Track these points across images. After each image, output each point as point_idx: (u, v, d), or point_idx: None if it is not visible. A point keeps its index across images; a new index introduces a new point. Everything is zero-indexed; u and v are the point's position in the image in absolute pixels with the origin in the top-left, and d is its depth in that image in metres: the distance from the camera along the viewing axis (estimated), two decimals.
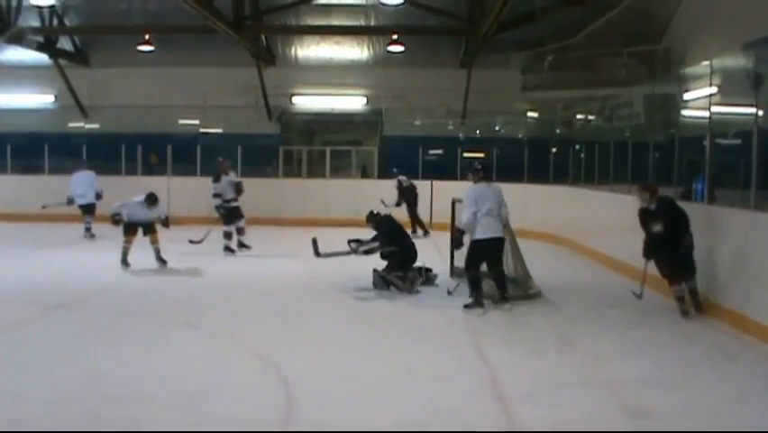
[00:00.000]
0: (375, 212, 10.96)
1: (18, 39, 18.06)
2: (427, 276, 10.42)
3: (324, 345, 7.15)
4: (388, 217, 10.91)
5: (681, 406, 5.43)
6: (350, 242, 10.55)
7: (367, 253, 10.38)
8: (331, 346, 7.09)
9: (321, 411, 5.20)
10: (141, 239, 11.70)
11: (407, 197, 16.96)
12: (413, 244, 10.50)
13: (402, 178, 17.12)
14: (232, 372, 6.18)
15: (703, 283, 8.62)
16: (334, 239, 11.10)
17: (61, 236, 15.87)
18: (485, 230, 8.69)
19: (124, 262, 11.66)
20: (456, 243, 9.50)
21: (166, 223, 12.08)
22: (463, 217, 8.81)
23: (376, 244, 10.35)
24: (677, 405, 5.44)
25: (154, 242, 11.81)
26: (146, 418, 5.01)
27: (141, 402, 5.31)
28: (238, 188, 13.80)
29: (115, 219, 11.63)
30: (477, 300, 8.69)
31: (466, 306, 8.69)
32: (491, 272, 9.00)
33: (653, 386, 5.82)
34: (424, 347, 7.11)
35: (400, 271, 10.06)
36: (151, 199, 11.52)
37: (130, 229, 11.63)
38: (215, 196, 13.55)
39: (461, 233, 9.06)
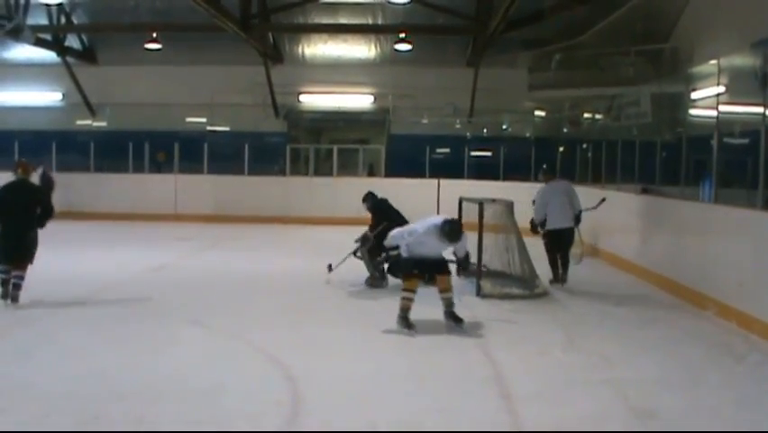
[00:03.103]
0: (371, 193, 10.85)
1: (16, 33, 18.00)
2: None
3: (330, 343, 7.17)
4: (385, 201, 10.75)
5: (686, 406, 5.42)
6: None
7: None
8: (337, 345, 7.11)
9: (327, 410, 5.21)
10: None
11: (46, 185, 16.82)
12: None
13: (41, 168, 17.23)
14: (238, 370, 6.19)
15: (711, 283, 8.61)
16: (341, 238, 11.09)
17: (67, 234, 15.91)
18: (555, 221, 10.21)
19: (404, 321, 7.51)
20: (533, 229, 10.65)
21: (465, 264, 8.40)
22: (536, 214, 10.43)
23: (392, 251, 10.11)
24: (682, 405, 5.43)
25: (446, 289, 7.72)
26: (152, 415, 5.03)
27: (147, 400, 5.33)
28: None
29: (388, 255, 8.16)
30: (555, 277, 10.31)
31: (550, 281, 10.23)
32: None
33: (658, 386, 5.81)
34: (430, 346, 7.11)
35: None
36: (453, 230, 7.55)
37: (414, 268, 7.66)
38: None
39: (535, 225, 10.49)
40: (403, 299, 7.56)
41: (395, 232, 7.98)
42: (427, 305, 9.13)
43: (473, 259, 9.05)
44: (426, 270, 7.68)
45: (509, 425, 4.99)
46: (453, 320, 7.69)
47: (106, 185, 19.90)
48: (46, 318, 8.04)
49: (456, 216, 7.55)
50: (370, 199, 10.63)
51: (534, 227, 10.57)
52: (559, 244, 10.31)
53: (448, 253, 7.97)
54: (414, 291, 7.55)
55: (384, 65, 21.68)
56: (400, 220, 9.73)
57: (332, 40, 21.44)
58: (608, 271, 12.00)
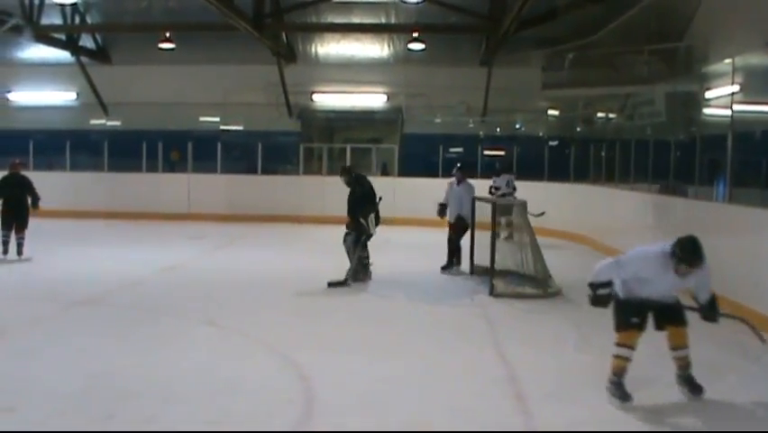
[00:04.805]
0: (348, 166, 11.49)
1: (18, 31, 18.06)
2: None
3: (344, 342, 7.17)
4: (361, 176, 11.02)
5: (700, 407, 5.39)
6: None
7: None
8: (350, 344, 7.11)
9: (339, 409, 5.22)
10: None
11: None
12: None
13: None
14: (251, 369, 6.20)
15: (725, 283, 8.55)
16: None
17: (80, 233, 16.00)
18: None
19: (618, 389, 5.41)
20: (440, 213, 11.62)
21: (711, 312, 5.65)
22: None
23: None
24: (696, 405, 5.40)
25: (680, 346, 5.62)
26: (165, 415, 5.05)
27: (160, 399, 5.35)
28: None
29: (599, 295, 5.56)
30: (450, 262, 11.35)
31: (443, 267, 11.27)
32: None
33: (672, 387, 5.77)
34: (442, 345, 7.11)
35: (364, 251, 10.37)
36: (686, 250, 5.33)
37: (633, 316, 5.52)
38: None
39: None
40: (616, 357, 5.50)
41: (604, 264, 5.70)
42: (443, 305, 9.11)
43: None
44: (653, 317, 5.55)
45: (522, 425, 4.98)
46: (690, 388, 5.51)
47: (120, 184, 19.96)
48: (59, 317, 8.09)
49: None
50: (348, 174, 10.85)
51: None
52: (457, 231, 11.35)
53: (683, 294, 5.76)
54: (632, 348, 5.47)
55: (397, 64, 21.66)
56: (371, 196, 10.59)
57: (345, 39, 21.42)
58: None
